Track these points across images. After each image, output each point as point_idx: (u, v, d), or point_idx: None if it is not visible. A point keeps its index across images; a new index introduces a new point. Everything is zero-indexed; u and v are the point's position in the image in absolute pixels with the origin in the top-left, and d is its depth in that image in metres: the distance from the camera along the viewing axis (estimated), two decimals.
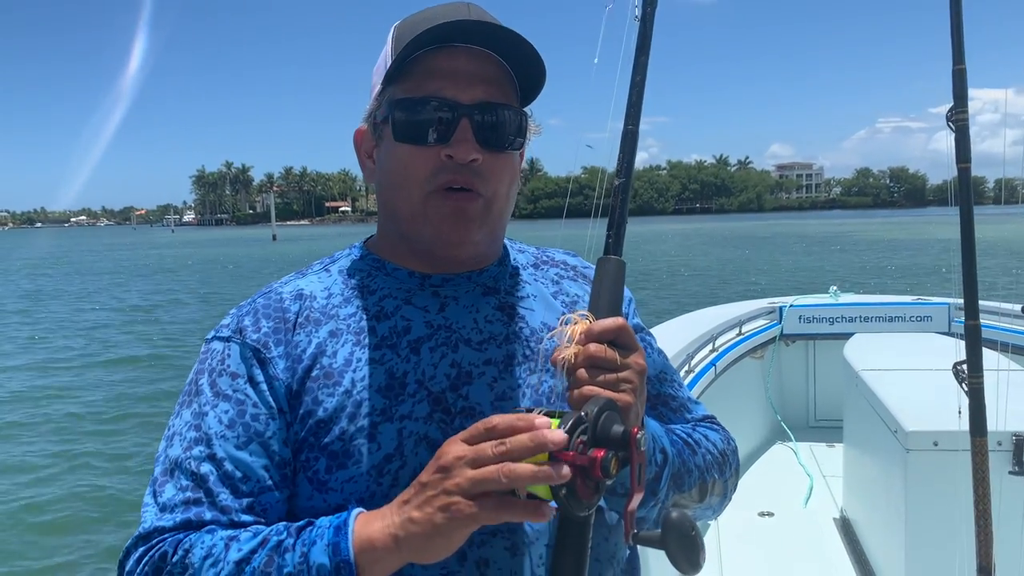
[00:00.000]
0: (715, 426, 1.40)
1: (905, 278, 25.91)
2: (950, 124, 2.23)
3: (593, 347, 1.05)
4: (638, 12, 1.32)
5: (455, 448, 0.97)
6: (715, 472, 1.31)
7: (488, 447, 0.94)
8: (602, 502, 0.99)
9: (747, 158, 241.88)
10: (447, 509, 0.94)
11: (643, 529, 1.03)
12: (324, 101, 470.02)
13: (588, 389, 1.03)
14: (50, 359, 16.10)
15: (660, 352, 1.42)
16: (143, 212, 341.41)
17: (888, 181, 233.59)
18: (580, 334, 1.06)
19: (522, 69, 1.20)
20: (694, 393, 4.23)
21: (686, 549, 1.01)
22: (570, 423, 0.93)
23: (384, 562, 0.99)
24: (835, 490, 4.83)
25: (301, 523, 1.05)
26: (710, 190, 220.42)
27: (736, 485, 1.38)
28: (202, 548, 1.04)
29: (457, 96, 1.16)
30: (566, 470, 0.91)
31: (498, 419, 0.96)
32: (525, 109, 1.24)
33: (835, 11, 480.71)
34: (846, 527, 4.34)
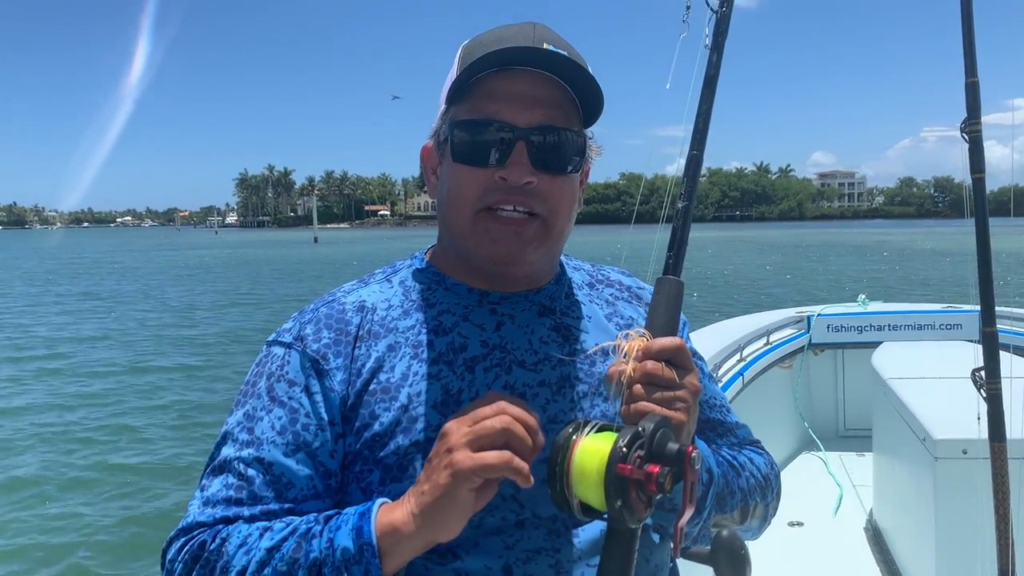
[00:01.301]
0: (760, 451, 1.42)
1: (942, 288, 25.41)
2: (964, 135, 2.27)
3: (651, 364, 1.07)
4: (708, 41, 1.33)
5: (454, 419, 1.05)
6: (757, 496, 1.33)
7: (485, 408, 1.02)
8: (647, 520, 1.03)
9: (788, 166, 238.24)
10: (451, 464, 0.99)
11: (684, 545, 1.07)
12: (365, 105, 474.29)
13: (644, 405, 1.05)
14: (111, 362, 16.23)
15: (710, 377, 1.44)
16: (187, 214, 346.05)
17: (932, 191, 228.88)
18: (637, 351, 1.08)
19: (583, 92, 1.21)
20: None
21: (735, 567, 1.05)
22: (628, 437, 0.96)
23: (405, 543, 1.03)
24: (865, 499, 4.80)
25: (330, 512, 1.10)
26: (750, 198, 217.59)
27: (776, 509, 1.40)
28: (238, 537, 1.09)
29: (514, 119, 1.17)
30: (531, 479, 0.99)
31: (496, 393, 1.05)
32: (587, 131, 1.25)
33: (879, 19, 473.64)
34: (876, 536, 4.32)
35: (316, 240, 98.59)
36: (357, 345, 1.22)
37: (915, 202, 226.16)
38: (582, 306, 1.34)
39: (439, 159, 1.29)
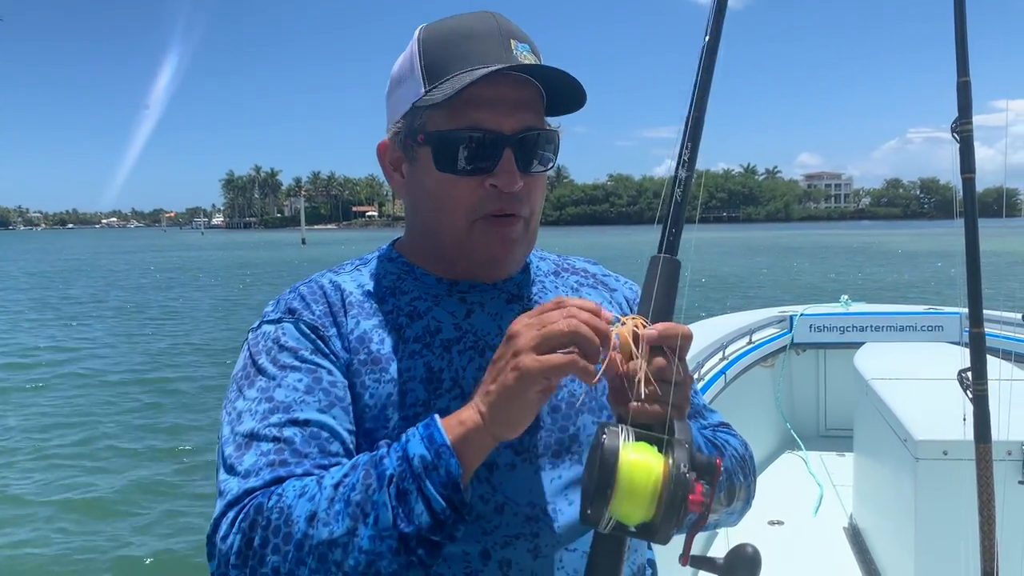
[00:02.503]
0: (731, 432, 1.42)
1: (925, 289, 25.58)
2: (955, 135, 2.25)
3: (661, 359, 1.01)
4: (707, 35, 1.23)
5: (521, 319, 1.02)
6: (740, 475, 1.32)
7: (553, 312, 1.00)
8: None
9: (775, 167, 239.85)
10: (517, 368, 0.97)
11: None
12: (352, 106, 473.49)
13: (660, 408, 0.99)
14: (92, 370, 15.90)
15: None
16: (172, 215, 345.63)
17: (918, 192, 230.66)
18: (644, 337, 1.01)
19: (557, 90, 1.21)
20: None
21: None
22: (686, 458, 0.92)
23: (476, 441, 1.00)
24: (845, 499, 4.81)
25: (385, 442, 1.06)
26: (738, 199, 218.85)
27: (755, 490, 1.39)
28: (294, 489, 1.02)
29: (500, 126, 1.17)
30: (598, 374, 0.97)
31: (564, 297, 1.03)
32: (556, 126, 1.25)
33: (866, 20, 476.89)
34: (856, 536, 4.33)
35: (304, 241, 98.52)
36: (345, 318, 1.22)
37: (901, 203, 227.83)
38: (549, 293, 1.35)
39: (405, 157, 1.26)
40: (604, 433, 0.93)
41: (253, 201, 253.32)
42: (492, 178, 1.17)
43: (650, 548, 1.35)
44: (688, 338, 1.03)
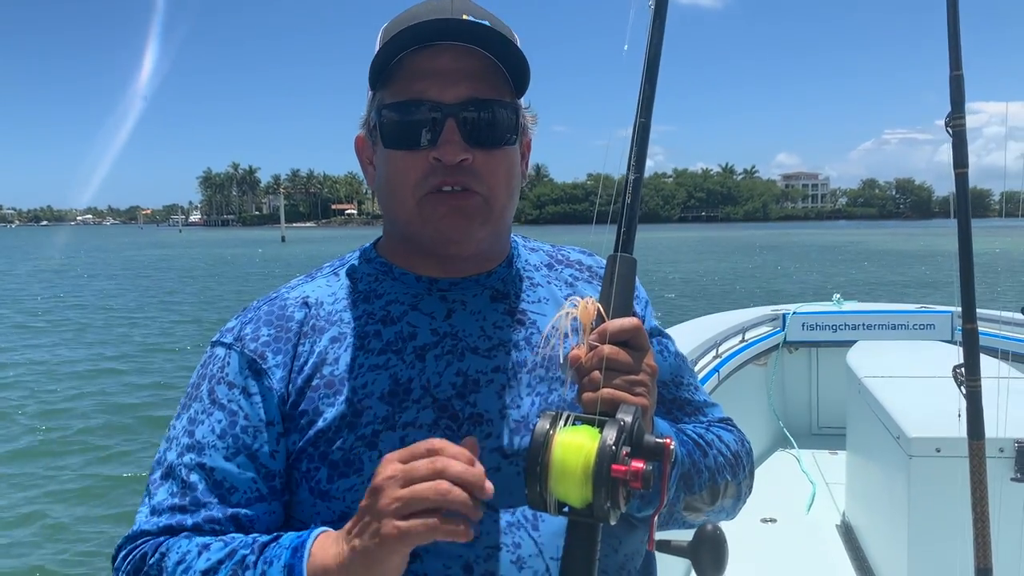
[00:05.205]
0: (730, 427, 1.38)
1: (910, 288, 25.79)
2: (948, 129, 2.27)
3: (608, 348, 1.01)
4: (652, 2, 1.22)
5: (387, 468, 0.97)
6: (727, 474, 1.28)
7: (420, 467, 0.94)
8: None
9: (753, 167, 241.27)
10: (377, 533, 0.94)
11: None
12: (331, 103, 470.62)
13: (616, 394, 0.99)
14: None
15: (677, 355, 1.39)
16: (149, 212, 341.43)
17: (894, 192, 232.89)
18: (593, 332, 1.03)
19: (508, 61, 1.17)
20: None
21: (716, 562, 1.05)
22: (615, 434, 0.92)
23: None
24: (837, 497, 4.84)
25: (267, 538, 1.07)
26: (716, 199, 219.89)
27: (751, 487, 1.37)
28: (177, 553, 1.08)
29: (441, 96, 1.14)
30: (471, 533, 0.95)
31: (439, 443, 0.97)
32: (521, 100, 1.21)
33: (843, 21, 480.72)
34: (848, 533, 4.36)
35: (284, 239, 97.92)
36: (300, 342, 1.20)
37: (877, 203, 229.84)
38: (539, 288, 1.30)
39: (373, 148, 1.25)
40: (539, 417, 0.96)
41: (231, 199, 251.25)
42: (435, 151, 1.14)
43: (650, 550, 1.33)
44: (638, 329, 1.03)
